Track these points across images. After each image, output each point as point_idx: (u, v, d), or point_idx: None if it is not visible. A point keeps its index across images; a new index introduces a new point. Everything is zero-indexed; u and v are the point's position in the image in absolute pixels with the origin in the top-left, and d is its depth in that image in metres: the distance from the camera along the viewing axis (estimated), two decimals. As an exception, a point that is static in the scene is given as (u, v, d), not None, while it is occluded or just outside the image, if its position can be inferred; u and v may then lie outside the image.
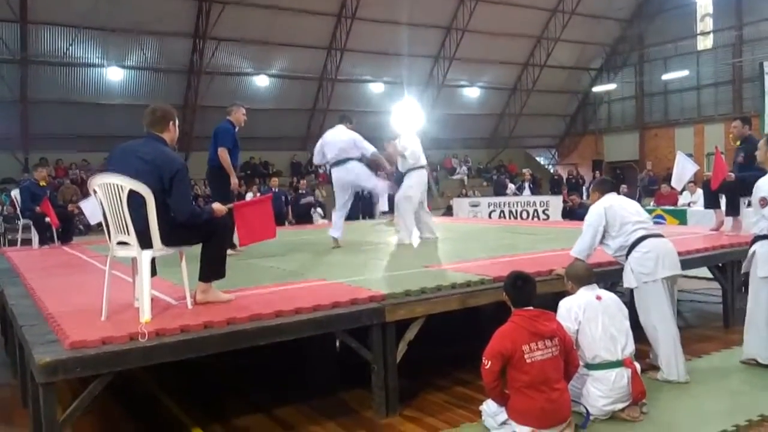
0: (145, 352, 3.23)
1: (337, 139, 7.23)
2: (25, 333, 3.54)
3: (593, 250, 4.52)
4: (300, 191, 16.61)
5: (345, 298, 4.10)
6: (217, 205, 4.07)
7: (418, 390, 4.49)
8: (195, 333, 3.44)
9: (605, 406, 3.72)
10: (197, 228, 3.89)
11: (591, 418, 3.71)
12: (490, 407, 3.68)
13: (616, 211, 4.44)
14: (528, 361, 3.41)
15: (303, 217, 15.36)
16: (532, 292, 3.65)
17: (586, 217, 4.52)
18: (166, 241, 3.72)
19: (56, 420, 3.04)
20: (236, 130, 6.93)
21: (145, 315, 3.57)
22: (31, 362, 3.15)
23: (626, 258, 4.46)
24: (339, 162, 7.24)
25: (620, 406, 3.74)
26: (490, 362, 3.42)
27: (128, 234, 3.64)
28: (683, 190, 11.85)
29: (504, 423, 3.56)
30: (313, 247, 7.58)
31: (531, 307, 3.58)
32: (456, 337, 5.71)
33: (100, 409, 4.31)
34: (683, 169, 8.25)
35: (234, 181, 6.81)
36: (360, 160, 7.24)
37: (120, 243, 3.75)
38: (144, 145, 3.80)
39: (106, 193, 3.64)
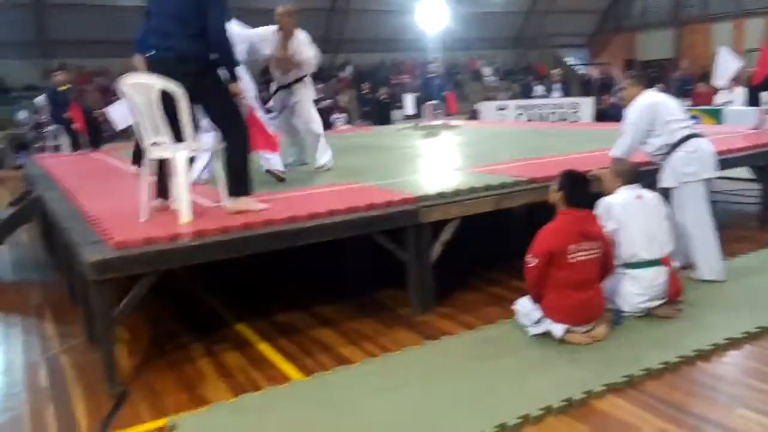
0: (188, 252, 3.30)
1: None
2: (71, 234, 3.62)
3: (635, 149, 4.39)
4: (319, 96, 16.29)
5: (379, 200, 4.10)
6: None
7: (452, 290, 4.57)
8: (235, 233, 3.49)
9: (641, 304, 3.76)
10: (222, 98, 3.82)
11: (623, 314, 3.76)
12: (523, 306, 3.73)
13: (660, 108, 4.27)
14: (570, 260, 3.41)
15: (323, 123, 15.18)
16: (588, 193, 3.61)
17: (629, 115, 4.35)
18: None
19: (110, 315, 3.16)
20: None
21: (185, 216, 3.62)
22: (81, 262, 3.24)
23: (665, 157, 4.35)
24: None
25: (656, 303, 3.78)
26: (536, 260, 3.43)
27: (162, 135, 3.62)
28: (722, 88, 11.36)
29: (538, 321, 3.62)
30: (340, 151, 7.50)
31: (578, 208, 3.54)
32: (486, 240, 5.75)
33: (144, 308, 4.46)
34: (726, 65, 7.86)
35: None
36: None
37: (154, 144, 3.73)
38: None
39: (138, 94, 3.59)
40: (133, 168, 6.06)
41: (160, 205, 4.06)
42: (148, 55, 3.87)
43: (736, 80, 10.89)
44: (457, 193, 4.32)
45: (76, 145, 8.94)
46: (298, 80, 5.86)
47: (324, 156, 5.93)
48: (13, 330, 4.45)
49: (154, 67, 3.69)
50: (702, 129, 4.74)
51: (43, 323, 4.54)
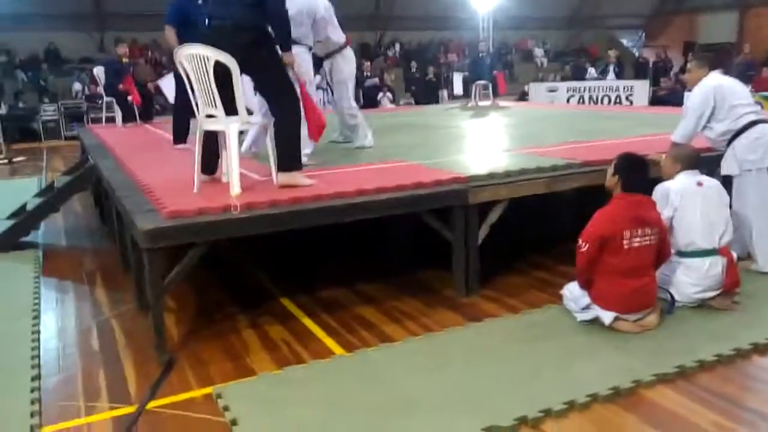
0: (240, 223, 3.33)
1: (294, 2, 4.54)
2: (124, 202, 3.70)
3: (696, 134, 4.22)
4: (365, 74, 16.23)
5: (427, 179, 4.05)
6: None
7: (497, 273, 4.50)
8: (284, 207, 3.50)
9: (695, 294, 3.63)
10: (276, 71, 3.82)
11: (677, 304, 3.64)
12: (572, 291, 3.65)
13: (726, 92, 4.08)
14: (625, 246, 3.31)
15: (368, 101, 15.15)
16: (646, 178, 3.50)
17: (692, 98, 4.18)
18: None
19: (161, 283, 3.23)
20: None
21: (235, 189, 3.65)
22: (134, 230, 3.31)
23: (728, 144, 4.17)
24: None
25: (711, 294, 3.64)
26: (587, 245, 3.34)
27: (216, 107, 3.65)
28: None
29: (586, 307, 3.54)
30: (387, 130, 7.48)
31: (634, 193, 3.43)
32: (532, 223, 5.65)
33: (192, 278, 4.55)
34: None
35: None
36: (310, 49, 5.13)
37: (208, 116, 3.76)
38: None
39: (193, 65, 3.62)
40: (179, 146, 6.10)
41: (206, 180, 4.10)
42: (206, 23, 3.87)
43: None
44: (507, 174, 4.24)
45: (128, 117, 9.13)
46: (332, 54, 5.58)
47: (363, 138, 5.83)
48: (66, 295, 4.60)
49: (209, 36, 3.69)
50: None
51: (95, 289, 4.68)
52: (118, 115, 9.18)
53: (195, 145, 3.96)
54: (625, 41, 27.75)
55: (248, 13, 3.66)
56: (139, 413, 2.84)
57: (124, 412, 2.91)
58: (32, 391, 3.08)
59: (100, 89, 10.19)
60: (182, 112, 5.90)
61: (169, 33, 5.78)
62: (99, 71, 9.69)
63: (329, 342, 3.56)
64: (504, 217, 4.17)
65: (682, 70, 12.19)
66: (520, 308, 3.90)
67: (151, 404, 2.95)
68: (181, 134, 6.11)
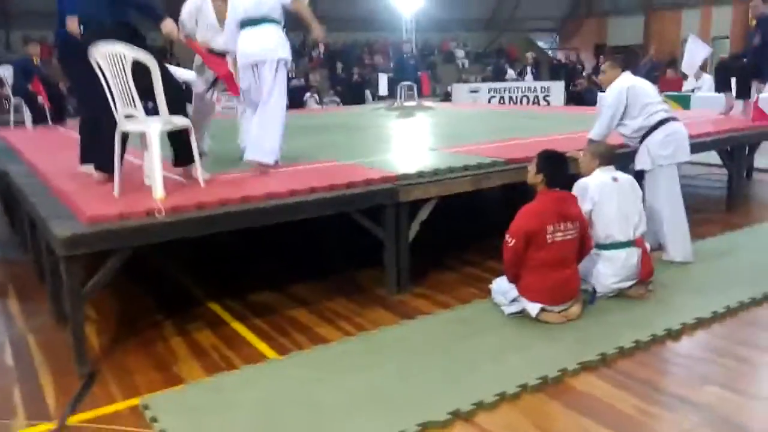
0: (165, 228, 3.22)
1: None
2: (38, 209, 3.50)
3: (610, 131, 4.44)
4: (290, 75, 16.07)
5: (359, 178, 4.06)
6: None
7: (428, 269, 4.57)
8: (212, 209, 3.41)
9: (613, 284, 3.81)
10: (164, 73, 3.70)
11: (598, 295, 3.81)
12: (500, 285, 3.76)
13: (638, 92, 4.32)
14: (549, 241, 3.43)
15: (293, 102, 15.02)
16: (566, 173, 3.63)
17: (606, 98, 4.40)
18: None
19: (80, 292, 3.07)
20: None
21: (158, 192, 3.53)
22: (50, 237, 3.14)
23: (641, 140, 4.41)
24: (251, 22, 4.47)
25: (628, 284, 3.83)
26: (514, 240, 3.44)
27: (135, 107, 3.51)
28: (690, 75, 11.57)
29: (514, 300, 3.65)
30: (314, 130, 7.45)
31: (557, 189, 3.56)
32: (459, 221, 5.77)
33: (112, 287, 4.36)
34: (695, 52, 7.97)
35: None
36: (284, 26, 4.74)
37: (127, 116, 3.62)
38: None
39: (110, 64, 3.47)
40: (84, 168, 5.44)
41: (88, 171, 4.07)
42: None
43: (704, 67, 11.09)
44: (435, 172, 4.30)
45: (39, 119, 8.65)
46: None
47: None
48: (-25, 308, 4.31)
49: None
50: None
51: (7, 301, 4.40)
52: (28, 117, 8.68)
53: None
54: (541, 43, 28.76)
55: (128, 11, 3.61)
56: (59, 429, 2.72)
57: (43, 429, 2.76)
58: (-61, 413, 2.87)
59: (7, 90, 9.59)
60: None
61: (73, 24, 4.51)
62: (5, 71, 9.12)
63: (261, 346, 3.50)
64: (434, 215, 4.24)
65: (595, 71, 12.81)
66: (451, 304, 3.97)
67: (73, 419, 2.82)
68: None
